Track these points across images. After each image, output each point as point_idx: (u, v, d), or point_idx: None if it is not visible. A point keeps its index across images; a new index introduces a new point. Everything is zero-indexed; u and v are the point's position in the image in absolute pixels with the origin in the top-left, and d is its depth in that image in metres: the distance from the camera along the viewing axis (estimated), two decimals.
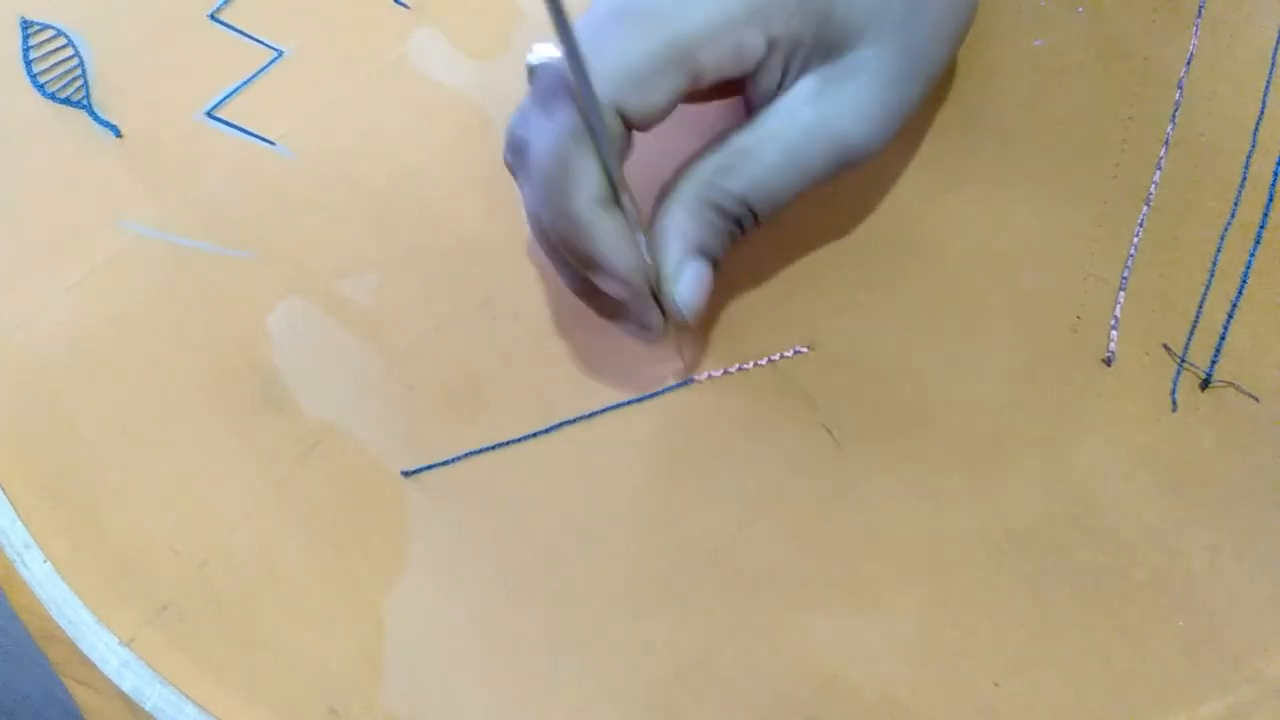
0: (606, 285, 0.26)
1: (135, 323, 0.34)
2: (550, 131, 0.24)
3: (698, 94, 0.29)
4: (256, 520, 0.31)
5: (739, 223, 0.27)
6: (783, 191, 0.26)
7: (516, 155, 0.27)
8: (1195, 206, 0.30)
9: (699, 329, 0.31)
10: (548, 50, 0.25)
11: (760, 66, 0.26)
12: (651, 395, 0.30)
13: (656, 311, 0.27)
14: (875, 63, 0.26)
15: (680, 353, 0.30)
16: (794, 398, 0.30)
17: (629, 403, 0.31)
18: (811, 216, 0.32)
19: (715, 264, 0.27)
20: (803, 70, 0.26)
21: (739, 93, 0.28)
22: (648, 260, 0.26)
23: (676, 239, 0.26)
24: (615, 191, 0.25)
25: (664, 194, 0.27)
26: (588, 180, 0.24)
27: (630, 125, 0.25)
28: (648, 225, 0.27)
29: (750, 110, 0.27)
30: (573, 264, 0.26)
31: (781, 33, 0.25)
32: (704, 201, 0.26)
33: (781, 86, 0.26)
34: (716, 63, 0.25)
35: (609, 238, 0.25)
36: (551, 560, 0.29)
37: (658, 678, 0.28)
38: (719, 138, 0.27)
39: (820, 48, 0.26)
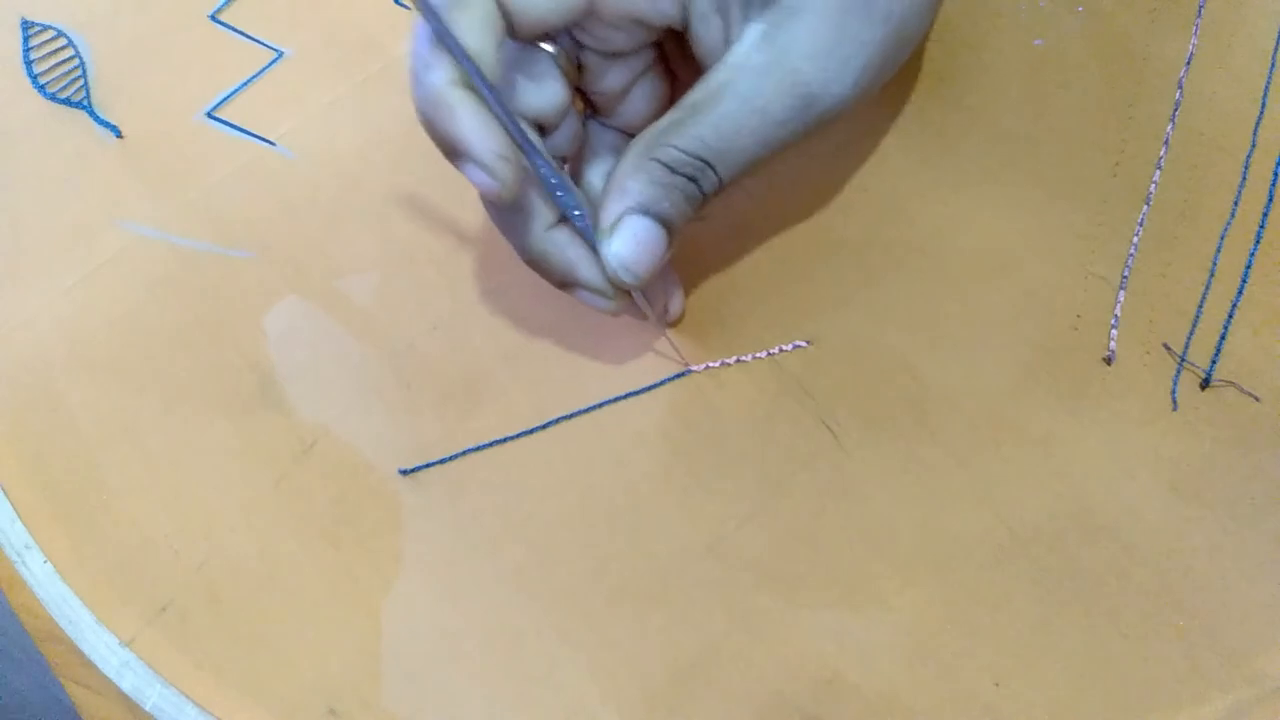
0: (474, 177, 0.24)
1: (135, 323, 0.34)
2: (426, 10, 0.23)
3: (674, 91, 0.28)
4: (256, 520, 0.31)
5: (694, 181, 0.26)
6: (743, 142, 0.25)
7: None
8: (1195, 206, 0.30)
9: (657, 292, 0.30)
10: None
11: (695, 17, 0.25)
12: (649, 388, 0.30)
13: (551, 237, 0.26)
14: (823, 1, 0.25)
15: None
16: (793, 392, 0.30)
17: (626, 396, 0.31)
18: (812, 213, 0.32)
19: (670, 228, 0.26)
20: (745, 22, 0.25)
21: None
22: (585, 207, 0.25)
23: (616, 197, 0.25)
24: (479, 77, 0.24)
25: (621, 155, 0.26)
26: (450, 61, 0.23)
27: (515, 29, 0.24)
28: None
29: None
30: (444, 154, 0.25)
31: None
32: (650, 160, 0.25)
33: (727, 44, 0.26)
34: None
35: (470, 118, 0.23)
36: (550, 558, 0.29)
37: (657, 676, 0.28)
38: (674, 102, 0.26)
39: None
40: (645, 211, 0.25)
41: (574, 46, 0.27)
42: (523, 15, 0.24)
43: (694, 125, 0.25)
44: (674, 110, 0.25)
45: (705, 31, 0.26)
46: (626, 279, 0.26)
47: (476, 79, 0.23)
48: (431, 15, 0.23)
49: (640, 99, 0.27)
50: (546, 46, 0.26)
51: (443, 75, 0.23)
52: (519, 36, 0.25)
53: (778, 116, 0.25)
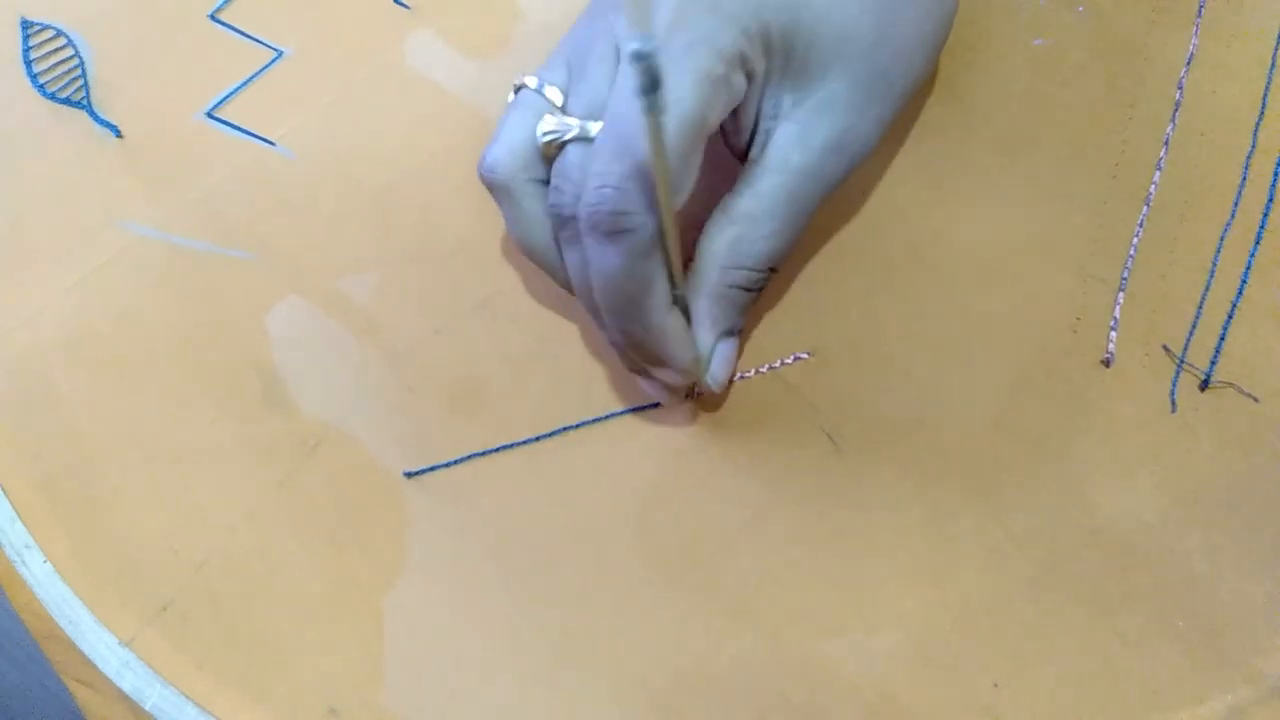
0: (665, 376, 0.28)
1: (135, 323, 0.34)
2: (621, 250, 0.25)
3: None
4: (256, 520, 0.31)
5: (760, 289, 0.28)
6: (794, 236, 0.28)
7: (498, 192, 0.28)
8: (1195, 206, 0.30)
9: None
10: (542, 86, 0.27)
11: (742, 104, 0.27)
12: (650, 406, 0.31)
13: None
14: (846, 95, 0.27)
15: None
16: (795, 404, 0.30)
17: (630, 410, 0.31)
18: (811, 222, 0.32)
19: (741, 332, 0.29)
20: (776, 98, 0.27)
21: None
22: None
23: (707, 327, 0.28)
24: (675, 292, 0.27)
25: (688, 277, 0.27)
26: (661, 291, 0.26)
27: None
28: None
29: (730, 146, 0.28)
30: (639, 358, 0.28)
31: (756, 68, 0.26)
32: (728, 286, 0.27)
33: (760, 114, 0.27)
34: (719, 116, 0.26)
35: (679, 341, 0.27)
36: (552, 561, 0.29)
37: (658, 677, 0.28)
38: (722, 206, 0.27)
39: (790, 73, 0.27)
40: (730, 333, 0.28)
41: None
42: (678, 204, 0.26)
43: (752, 243, 0.27)
44: (730, 223, 0.27)
45: (743, 111, 0.27)
46: (717, 390, 0.29)
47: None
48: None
49: None
50: None
51: (661, 304, 0.26)
52: None
53: (815, 206, 0.28)
